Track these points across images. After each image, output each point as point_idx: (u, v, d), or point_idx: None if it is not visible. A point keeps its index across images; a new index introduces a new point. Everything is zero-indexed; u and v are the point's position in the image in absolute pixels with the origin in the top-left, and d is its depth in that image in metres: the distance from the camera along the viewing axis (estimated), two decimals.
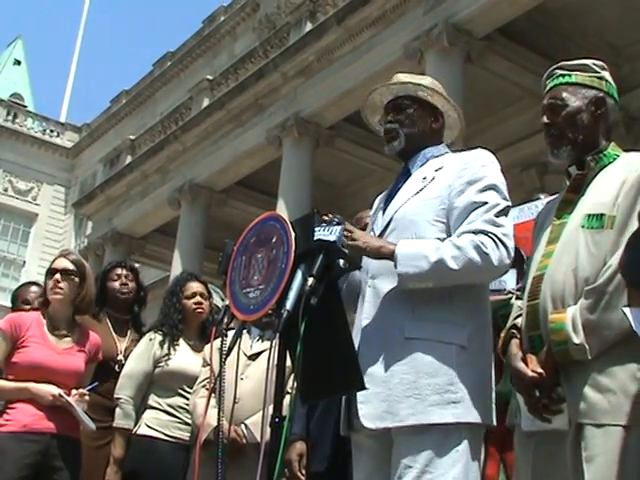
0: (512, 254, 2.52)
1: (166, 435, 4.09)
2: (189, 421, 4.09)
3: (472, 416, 2.46)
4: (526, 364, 2.35)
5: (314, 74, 15.02)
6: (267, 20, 24.22)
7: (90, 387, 3.92)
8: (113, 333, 4.47)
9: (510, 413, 2.57)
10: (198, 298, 4.32)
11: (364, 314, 2.59)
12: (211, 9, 30.34)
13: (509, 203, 2.60)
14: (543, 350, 2.34)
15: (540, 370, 2.29)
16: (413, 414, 2.41)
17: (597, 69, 2.59)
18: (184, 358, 4.22)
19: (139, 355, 4.25)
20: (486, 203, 2.53)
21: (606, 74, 2.60)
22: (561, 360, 2.27)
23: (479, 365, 2.52)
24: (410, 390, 2.43)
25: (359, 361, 2.39)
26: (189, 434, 4.10)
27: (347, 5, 14.11)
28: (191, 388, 4.14)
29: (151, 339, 4.27)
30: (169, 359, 4.19)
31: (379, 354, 2.50)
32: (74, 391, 3.81)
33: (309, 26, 15.42)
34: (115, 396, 4.19)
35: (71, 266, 3.95)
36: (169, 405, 4.16)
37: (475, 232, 2.48)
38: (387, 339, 2.50)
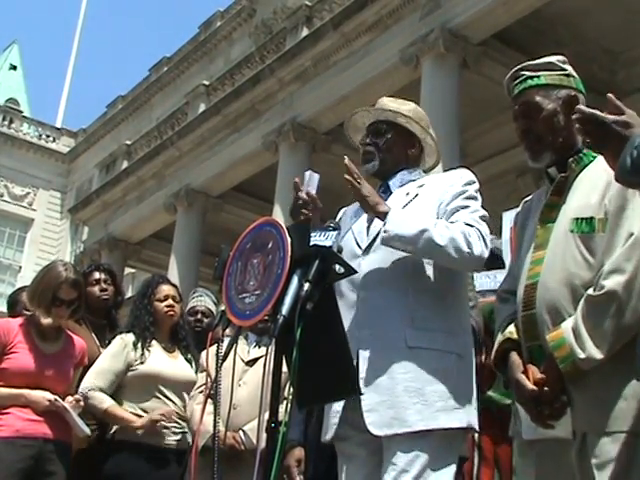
0: (488, 253, 2.59)
1: (143, 440, 4.01)
2: (167, 424, 4.04)
3: (470, 421, 2.57)
4: (527, 375, 2.33)
5: (310, 79, 15.05)
6: (263, 25, 24.26)
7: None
8: (93, 336, 4.43)
9: (512, 422, 2.54)
10: (170, 301, 4.28)
11: (359, 325, 2.59)
12: (207, 14, 30.41)
13: (486, 214, 2.70)
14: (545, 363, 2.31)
15: (540, 376, 2.27)
16: (421, 420, 2.47)
17: (562, 65, 2.55)
18: (158, 360, 4.15)
19: (112, 354, 4.14)
20: (470, 207, 2.67)
21: (570, 68, 2.56)
22: (570, 374, 2.23)
23: (471, 372, 2.62)
24: (416, 397, 2.48)
25: (361, 370, 2.44)
26: (165, 438, 4.05)
27: (343, 10, 14.14)
28: (167, 391, 4.10)
29: (123, 339, 4.18)
30: (143, 362, 4.11)
31: (382, 363, 2.53)
32: (69, 398, 3.80)
33: (305, 31, 15.46)
34: (80, 390, 4.00)
35: (75, 294, 3.92)
36: (145, 409, 4.06)
37: (464, 223, 2.59)
38: (390, 348, 2.54)
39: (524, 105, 2.52)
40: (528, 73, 2.54)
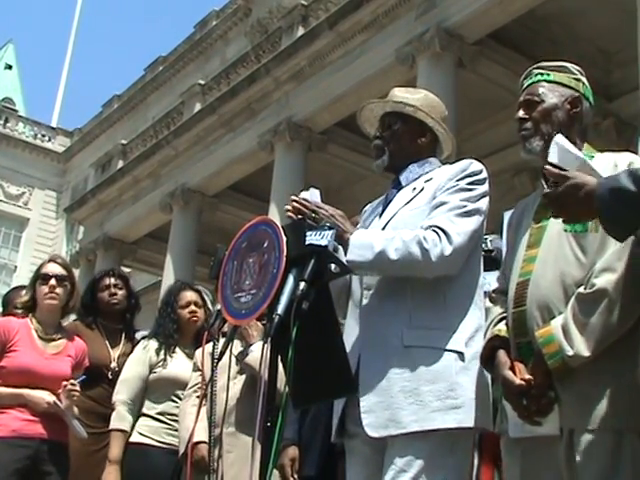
0: (459, 252, 2.50)
1: (158, 441, 4.10)
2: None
3: (472, 421, 2.48)
4: (514, 372, 2.33)
5: (306, 79, 15.04)
6: (259, 25, 24.25)
7: (80, 379, 3.90)
8: (105, 341, 4.47)
9: (498, 420, 2.55)
10: (193, 307, 4.37)
11: (361, 323, 2.59)
12: (203, 13, 30.38)
13: (479, 207, 2.60)
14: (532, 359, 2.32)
15: (528, 377, 2.28)
16: (416, 421, 2.43)
17: (575, 71, 2.61)
18: (179, 365, 4.25)
19: (135, 360, 4.28)
20: (448, 203, 2.57)
21: (583, 78, 2.61)
22: (558, 371, 2.24)
23: (476, 370, 2.54)
24: (412, 397, 2.45)
25: (360, 370, 2.42)
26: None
27: (339, 10, 14.14)
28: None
29: (145, 346, 4.30)
30: (165, 365, 4.22)
31: (379, 363, 2.50)
32: (64, 382, 3.80)
33: (301, 31, 15.45)
34: (112, 401, 4.21)
35: (64, 272, 3.97)
36: (161, 412, 4.18)
37: (426, 227, 2.52)
38: (386, 347, 2.51)
39: (528, 95, 2.57)
40: (540, 70, 2.62)
